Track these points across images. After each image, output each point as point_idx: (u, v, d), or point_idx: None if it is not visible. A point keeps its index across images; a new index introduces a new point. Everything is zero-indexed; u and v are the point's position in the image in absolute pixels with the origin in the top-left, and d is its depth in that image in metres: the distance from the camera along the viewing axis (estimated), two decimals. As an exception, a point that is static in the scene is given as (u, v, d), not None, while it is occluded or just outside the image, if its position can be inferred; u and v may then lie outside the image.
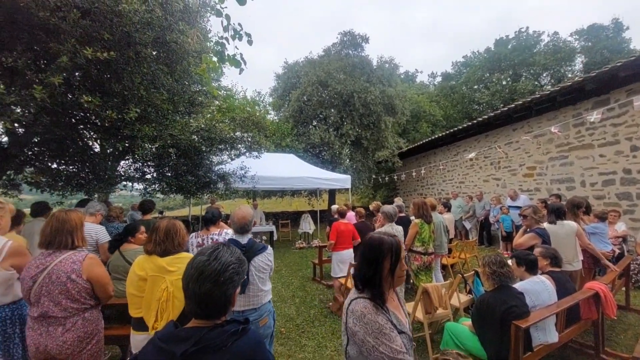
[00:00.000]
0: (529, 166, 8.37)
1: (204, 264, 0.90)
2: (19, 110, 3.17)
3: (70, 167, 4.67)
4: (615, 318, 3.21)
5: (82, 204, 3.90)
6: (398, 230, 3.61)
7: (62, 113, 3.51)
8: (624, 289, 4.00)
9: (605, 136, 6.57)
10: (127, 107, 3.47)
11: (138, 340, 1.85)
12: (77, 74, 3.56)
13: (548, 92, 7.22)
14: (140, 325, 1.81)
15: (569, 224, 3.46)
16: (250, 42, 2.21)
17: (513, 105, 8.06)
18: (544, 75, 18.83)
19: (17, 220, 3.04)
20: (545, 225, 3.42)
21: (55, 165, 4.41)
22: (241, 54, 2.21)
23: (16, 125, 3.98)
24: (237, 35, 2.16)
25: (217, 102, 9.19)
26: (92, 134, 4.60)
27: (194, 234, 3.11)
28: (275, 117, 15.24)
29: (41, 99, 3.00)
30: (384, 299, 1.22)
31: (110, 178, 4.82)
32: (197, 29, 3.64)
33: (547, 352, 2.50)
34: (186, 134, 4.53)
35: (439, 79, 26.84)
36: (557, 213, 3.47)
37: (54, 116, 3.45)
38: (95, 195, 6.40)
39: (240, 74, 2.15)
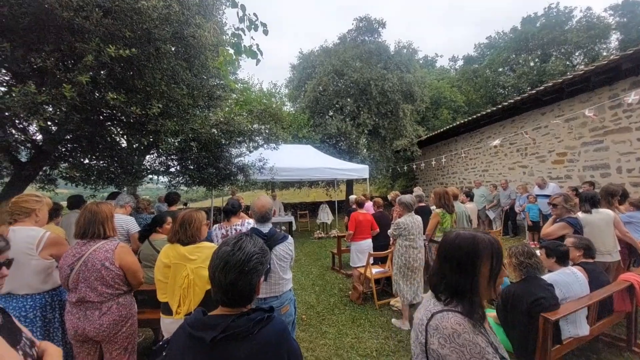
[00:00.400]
0: (559, 152, 7.90)
1: (229, 254, 0.92)
2: (50, 109, 3.35)
3: (101, 162, 4.94)
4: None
5: (112, 196, 4.12)
6: (417, 220, 3.55)
7: (90, 111, 3.68)
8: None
9: (645, 118, 6.06)
10: (149, 102, 3.58)
11: (166, 324, 1.97)
12: (102, 72, 3.71)
13: (582, 71, 6.70)
14: (168, 309, 1.93)
15: (606, 212, 3.27)
16: (266, 32, 2.19)
17: (542, 88, 7.57)
18: (577, 54, 17.48)
19: (55, 212, 3.26)
20: (580, 214, 3.24)
21: (87, 161, 4.66)
22: (257, 45, 2.20)
23: (49, 123, 4.25)
24: (253, 26, 2.15)
25: (235, 96, 9.31)
26: (118, 130, 4.80)
27: (216, 225, 3.22)
28: (292, 109, 15.24)
29: (71, 97, 3.14)
30: (483, 314, 0.97)
31: (137, 172, 5.05)
32: (214, 21, 3.66)
33: (577, 345, 2.41)
34: (206, 128, 4.63)
35: (460, 62, 25.66)
36: (591, 201, 3.28)
37: (84, 114, 3.62)
38: (124, 188, 6.74)
39: (257, 65, 2.15)
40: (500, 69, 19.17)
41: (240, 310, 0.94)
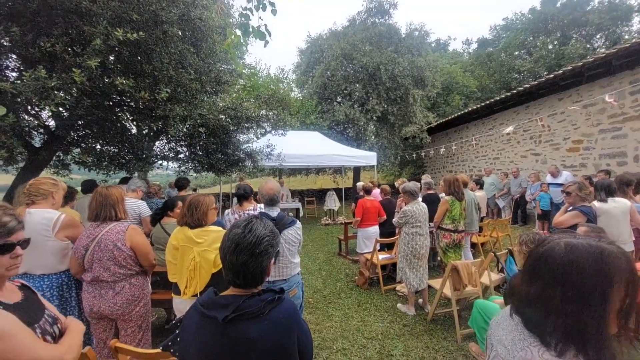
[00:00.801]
0: (575, 139, 7.64)
1: (240, 237, 0.93)
2: (61, 94, 3.38)
3: (112, 148, 5.01)
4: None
5: (124, 181, 4.20)
6: (423, 207, 3.52)
7: (100, 96, 3.70)
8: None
9: (667, 104, 5.78)
10: (158, 87, 3.58)
11: (177, 303, 2.06)
12: (110, 57, 3.70)
13: (603, 54, 6.37)
14: (178, 289, 2.01)
15: (623, 201, 3.18)
16: (274, 12, 2.13)
17: (561, 72, 7.25)
18: (597, 36, 16.61)
19: (70, 196, 3.35)
20: (596, 203, 3.15)
21: (98, 146, 4.73)
22: (265, 25, 2.15)
23: (61, 109, 4.30)
24: (261, 5, 2.09)
25: (242, 82, 9.21)
26: (128, 115, 4.84)
27: (228, 210, 3.27)
28: (299, 95, 15.05)
29: (81, 82, 3.16)
30: None
31: (148, 157, 5.11)
32: (220, 2, 3.58)
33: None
34: (214, 113, 4.62)
35: (474, 46, 24.70)
36: (607, 190, 3.18)
37: (94, 99, 3.65)
38: (135, 174, 6.86)
39: (265, 46, 2.10)
40: (517, 53, 18.40)
41: (251, 291, 0.96)
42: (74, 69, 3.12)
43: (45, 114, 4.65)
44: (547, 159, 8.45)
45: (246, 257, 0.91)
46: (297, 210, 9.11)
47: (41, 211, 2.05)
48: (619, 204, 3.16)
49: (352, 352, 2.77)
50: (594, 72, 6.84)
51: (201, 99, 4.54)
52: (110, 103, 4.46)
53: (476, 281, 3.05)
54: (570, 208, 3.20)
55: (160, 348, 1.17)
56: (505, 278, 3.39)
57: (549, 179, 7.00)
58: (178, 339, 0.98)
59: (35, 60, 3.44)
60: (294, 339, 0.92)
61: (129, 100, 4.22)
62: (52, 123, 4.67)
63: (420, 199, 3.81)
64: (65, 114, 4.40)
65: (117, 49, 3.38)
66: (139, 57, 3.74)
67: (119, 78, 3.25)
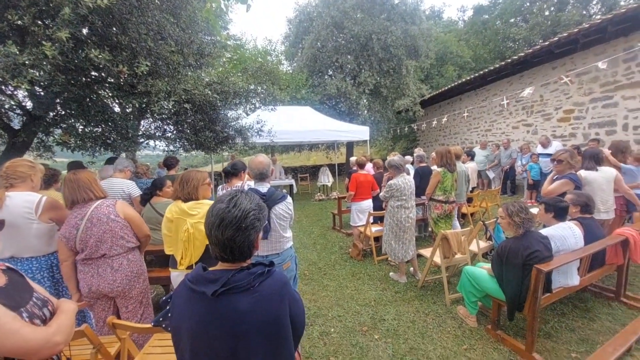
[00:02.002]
0: (566, 109, 7.66)
1: (224, 211, 0.91)
2: (33, 72, 3.18)
3: (95, 128, 4.82)
4: (643, 263, 3.14)
5: (110, 161, 4.09)
6: (409, 180, 3.51)
7: (75, 71, 3.49)
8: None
9: (659, 72, 5.78)
10: (137, 60, 3.37)
11: (174, 276, 2.11)
12: (83, 29, 3.45)
13: (599, 20, 6.22)
14: (174, 263, 2.04)
15: (609, 170, 3.25)
16: (256, -26, 1.96)
17: (556, 39, 7.08)
18: (594, 2, 16.08)
19: (54, 178, 3.25)
20: (582, 172, 3.21)
21: (79, 126, 4.54)
22: (247, -11, 1.99)
23: (37, 88, 4.06)
24: (241, -34, 1.92)
25: (228, 55, 8.78)
26: (108, 92, 4.60)
27: (220, 186, 3.26)
28: (289, 68, 14.49)
29: (52, 56, 2.97)
30: None
31: (133, 136, 4.94)
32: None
33: (566, 294, 2.54)
34: (199, 89, 4.42)
35: (469, 13, 23.74)
36: (595, 159, 3.23)
37: (68, 74, 3.44)
38: (123, 154, 6.68)
39: (247, 10, 1.96)
40: (512, 20, 17.80)
41: (240, 265, 0.95)
42: (44, 42, 2.91)
43: (21, 93, 4.40)
44: (538, 129, 8.49)
45: (232, 231, 0.89)
46: (291, 187, 9.12)
47: (22, 194, 1.98)
48: (604, 173, 3.23)
49: (346, 318, 2.89)
50: (589, 39, 6.70)
51: (185, 73, 4.32)
52: (89, 80, 4.22)
53: (465, 249, 3.16)
54: (557, 177, 3.26)
55: (152, 324, 1.18)
56: (493, 245, 3.52)
57: (539, 149, 7.08)
58: (169, 315, 0.99)
59: (5, 35, 3.19)
60: (286, 309, 0.93)
61: (107, 76, 3.99)
62: (30, 104, 4.43)
63: (407, 172, 3.82)
64: (40, 92, 4.16)
65: (88, 18, 3.14)
66: (114, 28, 3.49)
67: (93, 51, 3.04)
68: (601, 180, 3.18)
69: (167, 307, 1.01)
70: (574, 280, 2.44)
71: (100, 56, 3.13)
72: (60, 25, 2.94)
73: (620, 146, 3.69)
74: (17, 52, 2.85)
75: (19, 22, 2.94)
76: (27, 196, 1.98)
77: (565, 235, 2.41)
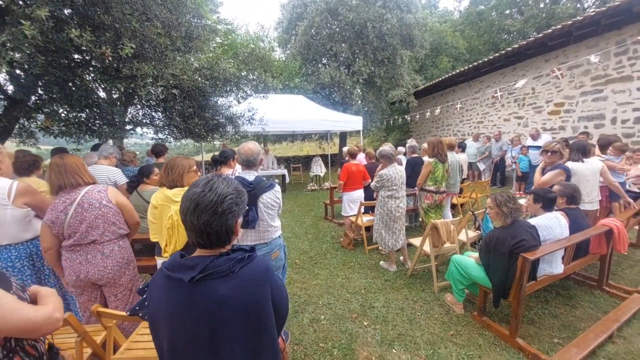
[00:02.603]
0: (557, 102, 7.73)
1: (199, 196, 0.88)
2: (11, 53, 3.02)
3: (80, 114, 4.64)
4: (626, 253, 3.24)
5: (95, 148, 3.97)
6: (400, 170, 3.51)
7: (56, 52, 3.32)
8: (637, 227, 3.96)
9: (647, 66, 5.87)
10: (121, 42, 3.22)
11: (160, 264, 2.07)
12: (63, 8, 3.27)
13: (593, 12, 6.23)
14: (160, 250, 2.00)
15: (595, 162, 3.31)
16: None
17: (550, 31, 7.08)
18: (589, -6, 16.08)
19: (35, 165, 3.13)
20: (570, 163, 3.26)
21: (62, 111, 4.37)
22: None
23: (18, 71, 3.86)
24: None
25: (219, 39, 8.52)
26: (92, 76, 4.42)
27: (210, 174, 3.19)
28: (282, 55, 14.19)
29: (32, 36, 2.82)
30: None
31: (120, 123, 4.79)
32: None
33: (550, 282, 2.61)
34: (188, 74, 4.28)
35: (465, 3, 23.52)
36: (583, 151, 3.28)
37: (49, 56, 3.28)
38: (110, 142, 6.49)
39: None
40: (508, 11, 17.71)
41: (219, 250, 0.93)
42: (23, 22, 2.76)
43: (2, 76, 4.19)
44: (529, 122, 8.58)
45: (208, 216, 0.86)
46: (283, 176, 9.06)
47: None
48: (591, 165, 3.28)
49: (336, 305, 2.92)
50: (583, 32, 6.72)
51: (172, 57, 4.16)
52: (71, 62, 4.04)
53: (454, 238, 3.20)
54: (550, 168, 3.30)
55: (128, 313, 1.15)
56: (481, 235, 3.57)
57: (529, 141, 7.17)
58: (146, 303, 0.96)
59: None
60: (268, 295, 0.91)
61: (90, 59, 3.82)
62: (10, 88, 4.23)
63: (399, 163, 3.82)
64: (21, 74, 3.97)
65: (68, -5, 2.98)
66: (97, 8, 3.32)
67: (73, 31, 2.89)
68: (587, 171, 3.23)
69: (144, 296, 0.99)
70: (559, 268, 2.50)
71: (82, 36, 2.99)
72: (39, 4, 2.78)
73: (611, 139, 3.79)
74: (-6, 32, 2.70)
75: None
76: None
77: (551, 225, 2.45)
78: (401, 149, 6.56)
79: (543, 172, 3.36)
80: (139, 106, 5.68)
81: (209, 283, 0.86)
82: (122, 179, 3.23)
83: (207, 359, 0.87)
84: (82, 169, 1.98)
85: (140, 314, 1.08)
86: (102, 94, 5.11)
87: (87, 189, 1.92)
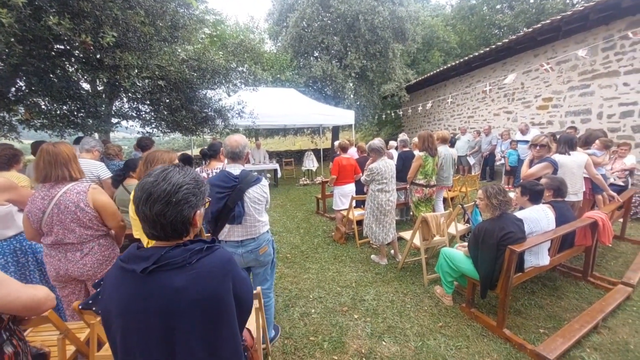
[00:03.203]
0: (545, 97, 7.84)
1: (152, 185, 0.85)
2: None
3: (62, 106, 4.47)
4: (610, 245, 3.32)
5: (77, 142, 3.83)
6: (389, 163, 3.50)
7: (34, 41, 3.17)
8: (621, 220, 4.08)
9: (633, 62, 6.00)
10: (102, 30, 3.10)
11: None
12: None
13: (581, 8, 6.29)
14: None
15: (581, 155, 3.37)
16: None
17: (539, 25, 7.13)
18: (578, -9, 16.27)
19: (14, 158, 2.99)
20: (557, 155, 3.31)
21: (42, 103, 4.20)
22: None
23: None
24: None
25: (207, 30, 8.30)
26: (74, 67, 4.25)
27: (198, 168, 3.14)
28: (273, 47, 13.96)
29: (8, 24, 2.70)
30: None
31: (104, 115, 4.64)
32: None
33: (536, 274, 2.66)
34: (175, 65, 4.16)
35: (458, -3, 23.51)
36: (570, 144, 3.33)
37: (27, 45, 3.13)
38: (96, 135, 6.29)
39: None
40: (499, 6, 17.79)
41: (176, 242, 0.90)
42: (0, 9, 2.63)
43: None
44: (518, 117, 8.69)
45: (161, 206, 0.83)
46: (275, 171, 8.99)
47: None
48: (576, 157, 3.34)
49: (327, 299, 2.92)
50: (571, 27, 6.79)
51: (158, 47, 4.03)
52: (52, 53, 3.87)
53: (444, 231, 3.22)
54: (538, 160, 3.35)
55: (80, 307, 1.15)
56: (470, 228, 3.61)
57: (518, 136, 7.27)
58: (99, 297, 0.92)
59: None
60: (228, 287, 0.89)
61: (71, 48, 3.67)
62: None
63: (390, 157, 3.81)
64: (0, 65, 3.79)
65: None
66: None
67: (51, 18, 2.76)
68: (572, 164, 3.30)
69: (98, 290, 0.95)
70: (545, 260, 2.54)
71: (61, 24, 2.86)
72: (15, -10, 2.64)
73: (599, 134, 3.90)
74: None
75: None
76: None
77: (538, 217, 2.48)
78: (392, 143, 6.55)
79: (531, 165, 3.40)
80: (124, 98, 5.52)
81: (163, 274, 0.83)
82: (106, 174, 3.13)
83: (162, 352, 0.84)
84: (74, 161, 1.89)
85: (94, 308, 1.05)
86: (85, 86, 4.93)
87: (67, 187, 1.82)
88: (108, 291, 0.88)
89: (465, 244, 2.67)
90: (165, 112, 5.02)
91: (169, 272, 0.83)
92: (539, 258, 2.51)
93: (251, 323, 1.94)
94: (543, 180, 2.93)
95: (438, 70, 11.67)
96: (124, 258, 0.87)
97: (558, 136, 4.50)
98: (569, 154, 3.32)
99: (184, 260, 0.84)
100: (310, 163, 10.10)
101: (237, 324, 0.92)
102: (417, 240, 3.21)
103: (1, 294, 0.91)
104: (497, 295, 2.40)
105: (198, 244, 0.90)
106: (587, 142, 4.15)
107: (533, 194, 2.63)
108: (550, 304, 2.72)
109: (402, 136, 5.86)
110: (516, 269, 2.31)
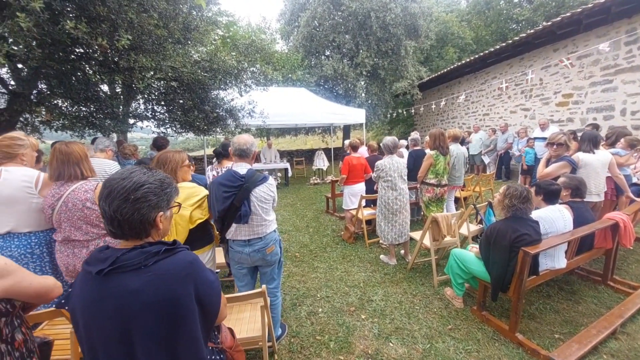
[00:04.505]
0: (565, 93, 7.52)
1: (115, 182, 0.87)
2: (7, 45, 3.01)
3: (82, 108, 4.65)
4: (632, 248, 3.16)
5: (93, 142, 3.98)
6: (397, 161, 3.44)
7: (52, 45, 3.31)
8: (644, 221, 3.87)
9: (659, 56, 5.65)
10: (117, 33, 3.19)
11: None
12: (61, 2, 3.26)
13: (603, 0, 5.99)
14: None
15: (605, 153, 3.22)
16: None
17: (559, 19, 6.85)
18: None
19: (36, 159, 3.15)
20: (580, 154, 3.17)
21: (61, 104, 4.38)
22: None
23: (19, 65, 3.85)
24: None
25: (220, 32, 8.43)
26: (91, 70, 4.41)
27: (210, 166, 3.21)
28: (284, 47, 14.02)
29: (27, 28, 2.82)
30: None
31: (122, 116, 4.80)
32: None
33: (552, 277, 2.56)
34: (188, 66, 4.25)
35: (473, -9, 22.88)
36: (594, 142, 3.18)
37: (46, 48, 3.27)
38: (114, 136, 6.51)
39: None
40: (516, 0, 17.21)
41: (134, 243, 0.91)
42: (18, 14, 2.75)
43: (4, 70, 4.21)
44: (536, 114, 8.38)
45: (118, 202, 0.85)
46: (286, 170, 9.04)
47: (20, 168, 1.93)
48: (600, 156, 3.19)
49: (334, 299, 2.91)
50: (592, 20, 6.49)
51: (172, 49, 4.12)
52: (72, 55, 4.03)
53: (455, 232, 3.15)
54: (555, 160, 3.22)
55: (54, 306, 1.20)
56: (483, 229, 3.51)
57: (537, 132, 6.98)
58: (69, 296, 0.97)
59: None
60: (189, 290, 0.89)
61: (91, 52, 3.80)
62: (12, 83, 4.24)
63: (401, 155, 3.76)
64: (23, 67, 3.98)
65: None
66: (92, -1, 3.29)
67: (68, 22, 2.86)
68: (597, 163, 3.15)
69: (70, 290, 1.00)
70: (561, 263, 2.44)
71: (78, 28, 2.96)
72: (34, -5, 2.76)
73: (625, 132, 3.76)
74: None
75: None
76: (26, 171, 1.93)
77: (554, 217, 2.39)
78: (403, 142, 6.46)
79: (547, 164, 3.28)
80: (141, 100, 5.68)
81: (119, 277, 0.85)
82: (120, 172, 3.23)
83: (122, 353, 0.86)
84: (85, 160, 1.97)
85: (67, 307, 1.09)
86: (104, 88, 5.11)
87: (76, 186, 1.89)
88: (75, 291, 0.91)
89: (477, 245, 2.60)
90: (179, 113, 5.14)
91: (125, 274, 0.85)
92: (555, 261, 2.41)
93: (256, 321, 1.97)
94: (561, 180, 2.81)
95: (452, 67, 11.41)
96: (88, 260, 0.90)
97: (579, 134, 4.32)
98: (593, 153, 3.17)
99: (140, 263, 0.85)
100: (321, 162, 10.10)
101: (199, 328, 0.92)
102: (427, 241, 3.16)
103: (15, 281, 0.96)
104: (509, 298, 2.32)
105: (157, 246, 0.91)
106: (613, 143, 3.96)
107: (547, 194, 2.53)
108: (567, 308, 2.61)
109: (414, 134, 5.77)
110: (530, 272, 2.23)
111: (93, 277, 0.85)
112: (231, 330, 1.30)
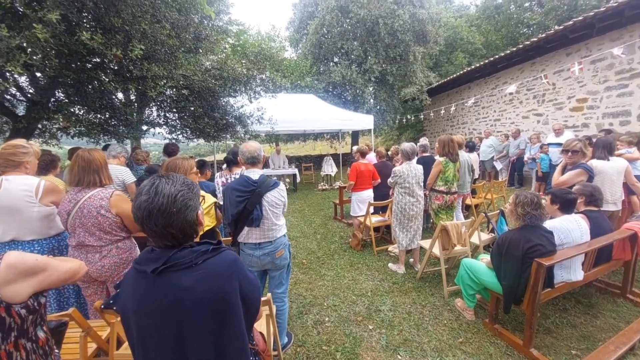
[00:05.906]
0: (580, 98, 7.34)
1: (148, 203, 0.86)
2: (24, 56, 3.14)
3: (98, 115, 4.79)
4: (652, 259, 3.02)
5: (105, 148, 4.08)
6: (415, 168, 3.45)
7: (69, 55, 3.43)
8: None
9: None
10: (131, 43, 3.29)
11: None
12: (75, 11, 3.38)
13: (616, 4, 5.87)
14: None
15: (620, 160, 3.10)
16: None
17: (571, 23, 6.73)
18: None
19: (52, 164, 3.24)
20: (594, 161, 3.06)
21: (77, 111, 4.52)
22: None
23: (37, 74, 4.01)
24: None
25: (231, 41, 8.60)
26: (106, 78, 4.56)
27: (218, 173, 3.24)
28: (294, 54, 14.20)
29: (44, 39, 2.93)
30: None
31: (136, 123, 4.92)
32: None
33: (569, 289, 2.46)
34: (198, 74, 4.34)
35: (482, -4, 22.80)
36: (609, 148, 3.07)
37: (62, 59, 3.39)
38: (128, 142, 6.67)
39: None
40: (527, 4, 17.02)
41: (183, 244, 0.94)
42: (35, 25, 2.87)
43: (24, 78, 4.38)
44: (549, 119, 8.20)
45: (164, 219, 0.86)
46: (294, 176, 9.07)
47: (20, 177, 1.97)
48: (616, 163, 3.08)
49: (342, 307, 2.87)
50: (605, 24, 6.35)
51: (183, 58, 4.22)
52: (89, 65, 4.18)
53: (465, 241, 3.07)
54: (570, 167, 3.12)
55: (101, 306, 1.22)
56: (495, 238, 3.42)
57: (550, 138, 6.82)
58: (119, 297, 0.98)
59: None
60: (235, 286, 0.92)
61: (105, 60, 3.93)
62: (32, 91, 4.42)
63: (414, 160, 3.72)
64: (40, 77, 4.13)
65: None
66: (105, 9, 3.41)
67: (84, 33, 2.96)
68: (612, 170, 3.04)
69: (119, 290, 1.01)
70: (578, 275, 2.35)
71: (93, 39, 3.07)
72: (50, 7, 2.87)
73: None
74: (9, 35, 2.80)
75: (10, 5, 2.89)
76: (26, 179, 1.97)
77: (570, 228, 2.30)
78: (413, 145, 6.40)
79: (563, 172, 3.18)
80: (154, 107, 5.82)
81: (172, 275, 0.88)
82: (131, 178, 3.29)
83: (174, 349, 0.89)
84: (105, 168, 2.02)
85: (115, 307, 1.10)
86: (119, 96, 5.25)
87: (92, 193, 1.93)
88: (126, 291, 0.94)
89: (488, 255, 2.53)
90: (190, 120, 5.23)
91: (177, 272, 0.88)
92: (571, 273, 2.32)
93: (263, 329, 1.95)
94: (575, 188, 2.72)
95: (462, 72, 11.32)
96: (139, 260, 0.93)
97: (594, 140, 4.17)
98: (608, 159, 3.07)
99: (191, 261, 0.89)
100: (329, 168, 10.10)
101: (243, 323, 0.96)
102: (436, 250, 3.09)
103: (47, 274, 1.04)
104: (523, 311, 2.24)
105: (204, 245, 0.94)
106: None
107: (564, 203, 2.44)
108: (585, 322, 2.50)
109: (423, 140, 5.71)
110: (545, 284, 2.15)
111: (146, 276, 0.88)
112: (262, 335, 1.31)
